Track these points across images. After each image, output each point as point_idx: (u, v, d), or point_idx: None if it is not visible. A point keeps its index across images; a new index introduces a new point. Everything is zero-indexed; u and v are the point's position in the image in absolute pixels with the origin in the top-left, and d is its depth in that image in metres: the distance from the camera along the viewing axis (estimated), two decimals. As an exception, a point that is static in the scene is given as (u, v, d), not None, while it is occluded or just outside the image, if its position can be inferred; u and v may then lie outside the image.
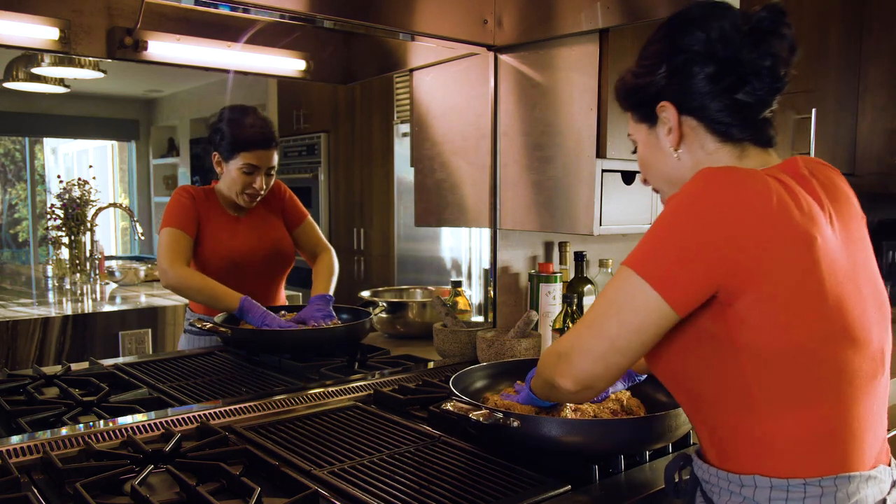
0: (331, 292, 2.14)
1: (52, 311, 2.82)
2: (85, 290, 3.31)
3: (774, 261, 0.89)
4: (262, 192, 2.09)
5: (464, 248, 3.09)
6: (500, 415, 1.18)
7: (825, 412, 0.93)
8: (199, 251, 2.06)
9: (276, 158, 2.07)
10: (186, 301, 2.22)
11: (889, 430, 1.05)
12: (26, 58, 2.81)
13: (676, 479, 1.08)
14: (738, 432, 0.95)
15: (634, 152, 1.18)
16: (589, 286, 2.12)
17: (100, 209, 3.50)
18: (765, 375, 0.92)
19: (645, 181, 1.20)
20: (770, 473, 0.93)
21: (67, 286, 3.37)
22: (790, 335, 0.91)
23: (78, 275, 3.40)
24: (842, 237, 0.97)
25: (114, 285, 3.49)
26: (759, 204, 0.89)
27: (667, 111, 1.05)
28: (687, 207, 0.92)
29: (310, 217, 2.29)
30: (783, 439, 0.93)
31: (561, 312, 1.88)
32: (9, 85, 2.94)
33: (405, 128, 3.27)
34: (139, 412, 1.44)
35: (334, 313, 2.03)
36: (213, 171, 2.14)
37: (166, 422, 1.39)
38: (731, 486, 0.96)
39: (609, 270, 2.23)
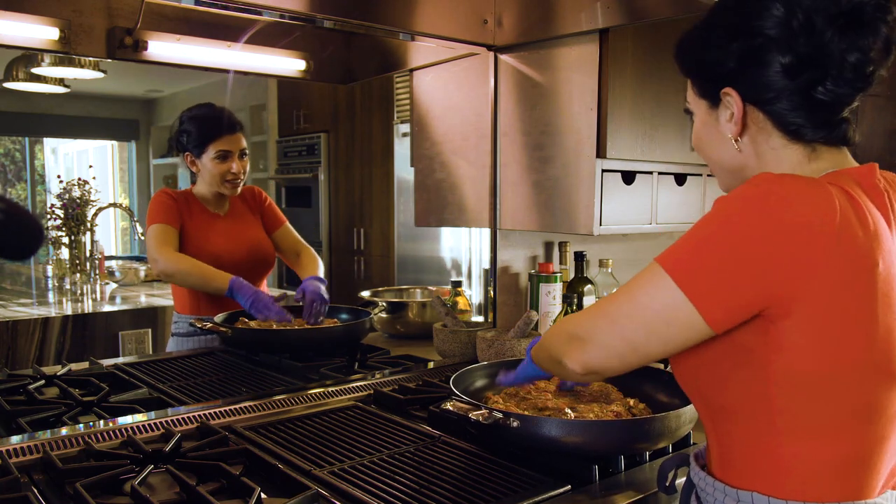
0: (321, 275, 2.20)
1: (52, 311, 2.82)
2: (85, 290, 3.32)
3: (828, 284, 0.81)
4: (242, 176, 2.14)
5: (464, 248, 3.09)
6: (500, 415, 1.18)
7: (847, 445, 0.87)
8: (184, 250, 2.07)
9: (244, 142, 2.14)
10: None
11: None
12: (26, 58, 2.81)
13: (669, 479, 1.07)
14: (750, 449, 0.91)
15: (688, 112, 1.04)
16: (589, 286, 2.12)
17: (100, 209, 3.50)
18: (793, 399, 0.86)
19: (692, 149, 1.10)
20: (771, 493, 0.89)
21: (67, 286, 3.37)
22: (830, 362, 0.84)
23: (78, 275, 3.40)
24: None
25: (114, 285, 3.49)
26: (819, 222, 0.80)
27: (731, 98, 0.93)
28: (739, 215, 0.82)
29: (288, 223, 2.35)
30: (797, 464, 0.88)
31: (561, 312, 1.88)
32: (9, 85, 2.94)
33: (405, 128, 3.27)
34: (139, 412, 1.44)
35: (327, 294, 2.07)
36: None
37: (166, 422, 1.39)
38: (727, 499, 0.93)
39: (609, 270, 2.23)
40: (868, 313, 0.83)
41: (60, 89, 3.14)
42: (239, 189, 2.16)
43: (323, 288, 2.07)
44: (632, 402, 1.38)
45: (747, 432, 0.91)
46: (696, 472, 1.00)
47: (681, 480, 1.10)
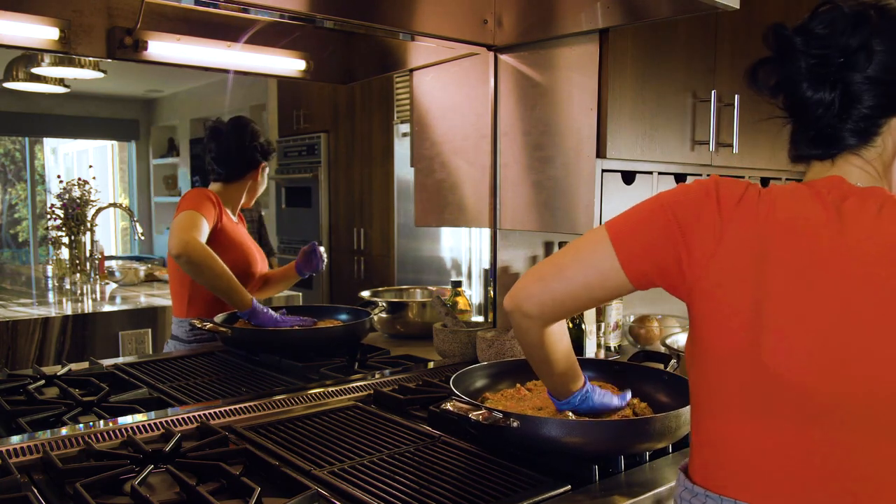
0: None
1: (52, 311, 2.82)
2: (85, 290, 3.31)
3: (718, 263, 0.89)
4: None
5: (464, 248, 3.09)
6: (500, 415, 1.18)
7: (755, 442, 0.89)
8: (225, 247, 2.03)
9: None
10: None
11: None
12: (26, 58, 2.81)
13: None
14: (696, 435, 0.97)
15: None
16: (589, 286, 2.12)
17: (100, 209, 3.49)
18: (701, 377, 0.94)
19: None
20: (702, 483, 0.93)
21: (67, 286, 3.37)
22: (720, 343, 0.90)
23: (78, 275, 3.40)
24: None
25: (114, 285, 3.49)
26: (722, 204, 0.90)
27: None
28: (674, 191, 0.96)
29: None
30: (707, 449, 0.94)
31: (561, 312, 1.88)
32: (9, 85, 2.93)
33: (405, 128, 3.27)
34: (139, 412, 1.44)
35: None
36: (211, 171, 2.21)
37: (166, 422, 1.39)
38: (684, 491, 0.96)
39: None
40: (751, 301, 0.86)
41: (60, 89, 3.14)
42: None
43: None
44: (633, 401, 1.38)
45: (695, 420, 0.97)
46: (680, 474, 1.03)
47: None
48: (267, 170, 2.27)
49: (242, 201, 2.23)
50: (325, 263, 2.28)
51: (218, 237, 2.03)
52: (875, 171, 0.93)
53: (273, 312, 1.98)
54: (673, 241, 0.92)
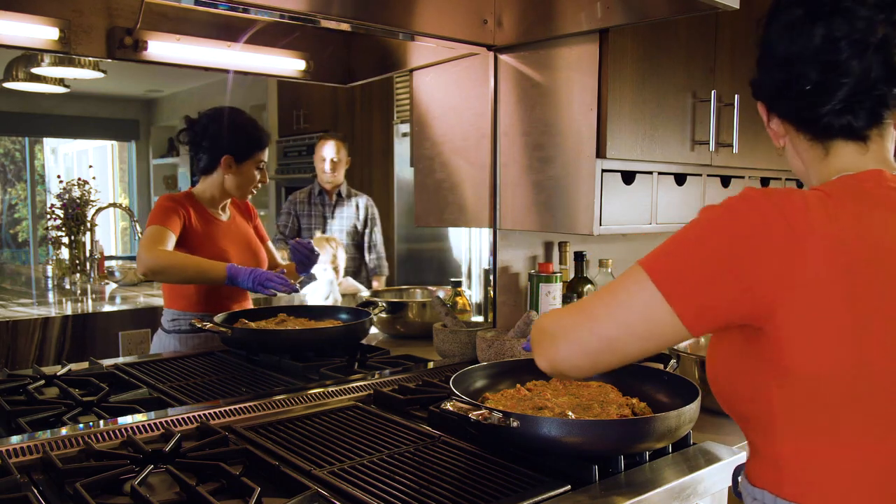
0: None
1: (52, 311, 2.82)
2: (85, 290, 3.31)
3: (805, 288, 0.82)
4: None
5: (464, 248, 3.08)
6: (500, 415, 1.18)
7: (863, 454, 0.85)
8: (188, 248, 2.05)
9: None
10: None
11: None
12: (26, 58, 2.81)
13: (737, 481, 1.06)
14: (763, 451, 0.92)
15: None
16: (589, 286, 2.12)
17: (100, 209, 3.49)
18: (792, 401, 0.86)
19: None
20: (776, 492, 0.89)
21: (67, 286, 3.37)
22: (821, 364, 0.83)
23: (78, 275, 3.40)
24: None
25: (114, 285, 3.49)
26: (792, 230, 0.82)
27: (764, 112, 1.03)
28: (719, 221, 0.86)
29: (270, 241, 2.41)
30: (798, 466, 0.88)
31: (561, 312, 1.87)
32: (9, 85, 2.93)
33: (405, 128, 3.26)
34: (139, 412, 1.44)
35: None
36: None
37: (166, 422, 1.39)
38: (748, 497, 0.95)
39: (609, 270, 2.23)
40: (850, 317, 0.82)
41: (60, 89, 3.13)
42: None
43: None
44: (633, 401, 1.38)
45: (758, 435, 0.92)
46: (742, 479, 1.00)
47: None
48: (252, 161, 2.13)
49: (231, 195, 2.16)
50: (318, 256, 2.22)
51: (187, 240, 2.05)
52: None
53: (256, 268, 1.98)
54: (737, 272, 0.83)
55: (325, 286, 2.62)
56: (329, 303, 2.55)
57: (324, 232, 3.01)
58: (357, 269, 3.03)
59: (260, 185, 2.20)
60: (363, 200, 3.13)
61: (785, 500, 0.89)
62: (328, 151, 3.12)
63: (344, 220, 3.10)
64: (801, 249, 0.82)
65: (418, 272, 3.36)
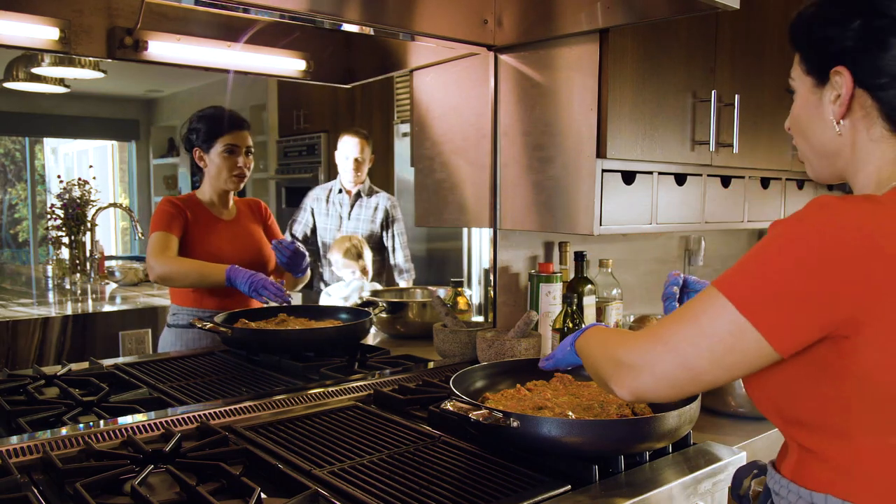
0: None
1: (52, 311, 2.82)
2: (85, 290, 3.31)
3: (893, 301, 0.80)
4: (247, 172, 2.18)
5: (464, 248, 3.08)
6: (500, 415, 1.18)
7: None
8: (188, 252, 2.08)
9: (250, 140, 2.18)
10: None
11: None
12: (26, 58, 2.81)
13: (745, 487, 1.04)
14: (828, 455, 0.89)
15: (789, 91, 1.02)
16: (589, 286, 2.12)
17: (100, 209, 3.49)
18: (871, 408, 0.85)
19: (788, 129, 1.05)
20: (846, 497, 0.87)
21: (67, 286, 3.37)
22: None
23: (78, 275, 3.40)
24: None
25: (114, 285, 3.49)
26: (875, 242, 0.80)
27: (841, 78, 0.91)
28: (799, 240, 0.82)
29: None
30: (875, 471, 0.86)
31: (561, 312, 1.88)
32: (9, 85, 2.93)
33: (405, 128, 3.26)
34: (139, 412, 1.44)
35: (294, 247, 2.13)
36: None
37: (166, 422, 1.39)
38: (801, 501, 0.91)
39: (609, 270, 2.23)
40: None
41: (60, 89, 3.13)
42: (242, 185, 2.19)
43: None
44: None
45: (825, 441, 0.89)
46: (773, 476, 0.97)
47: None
48: (217, 148, 2.10)
49: (222, 187, 2.14)
50: (308, 258, 2.18)
51: (184, 241, 2.08)
52: None
53: (251, 272, 1.98)
54: (825, 284, 0.81)
55: (352, 293, 2.59)
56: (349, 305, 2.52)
57: (339, 231, 2.92)
58: (378, 271, 2.86)
59: (245, 169, 2.15)
60: (384, 200, 2.96)
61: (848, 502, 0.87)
62: (351, 149, 2.90)
63: (360, 221, 2.95)
64: (881, 255, 0.80)
65: (418, 272, 3.36)
